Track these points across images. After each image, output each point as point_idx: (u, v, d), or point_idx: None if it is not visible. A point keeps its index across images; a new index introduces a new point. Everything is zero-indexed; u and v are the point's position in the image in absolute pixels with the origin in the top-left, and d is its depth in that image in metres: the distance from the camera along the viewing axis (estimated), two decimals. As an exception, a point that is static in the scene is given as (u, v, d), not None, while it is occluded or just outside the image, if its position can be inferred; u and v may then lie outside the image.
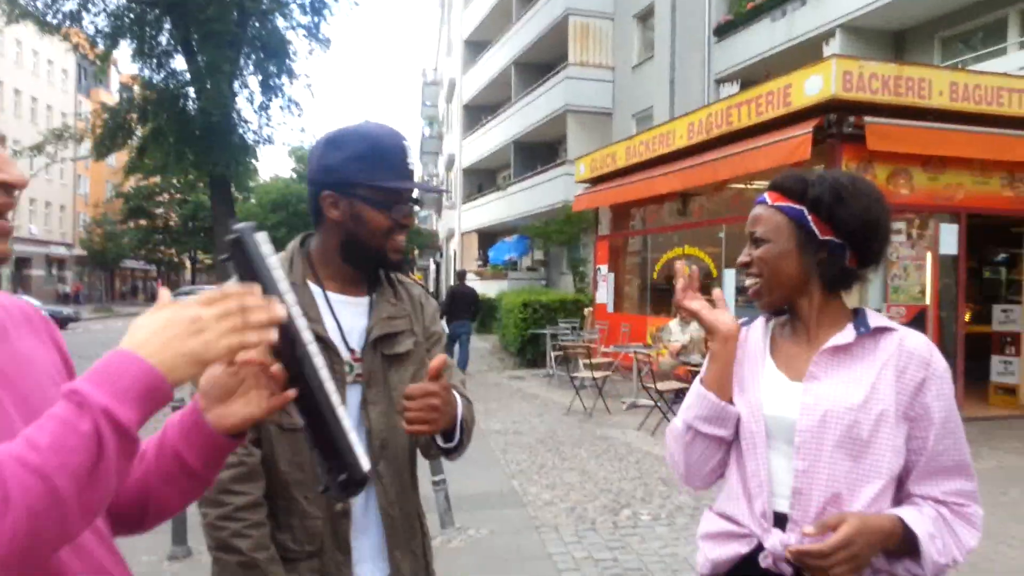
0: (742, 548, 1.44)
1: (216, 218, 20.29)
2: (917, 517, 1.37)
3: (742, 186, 10.78)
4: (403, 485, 1.63)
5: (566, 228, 19.72)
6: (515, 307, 14.84)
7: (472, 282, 23.48)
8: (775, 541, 1.39)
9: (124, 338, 0.86)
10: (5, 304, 1.04)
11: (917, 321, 8.58)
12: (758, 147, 9.18)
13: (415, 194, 1.63)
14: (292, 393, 1.03)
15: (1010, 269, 11.59)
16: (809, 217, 1.45)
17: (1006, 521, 5.02)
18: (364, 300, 1.63)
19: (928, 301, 8.75)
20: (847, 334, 1.45)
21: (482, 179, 32.99)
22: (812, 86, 8.51)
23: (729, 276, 10.53)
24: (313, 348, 1.03)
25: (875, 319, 1.49)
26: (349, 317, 1.60)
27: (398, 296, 1.69)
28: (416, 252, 47.58)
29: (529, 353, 14.50)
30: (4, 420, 0.89)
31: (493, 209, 28.01)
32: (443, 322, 14.12)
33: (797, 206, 1.47)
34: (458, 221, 34.46)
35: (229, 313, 0.89)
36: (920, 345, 1.45)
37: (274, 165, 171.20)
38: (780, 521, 1.43)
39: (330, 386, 1.05)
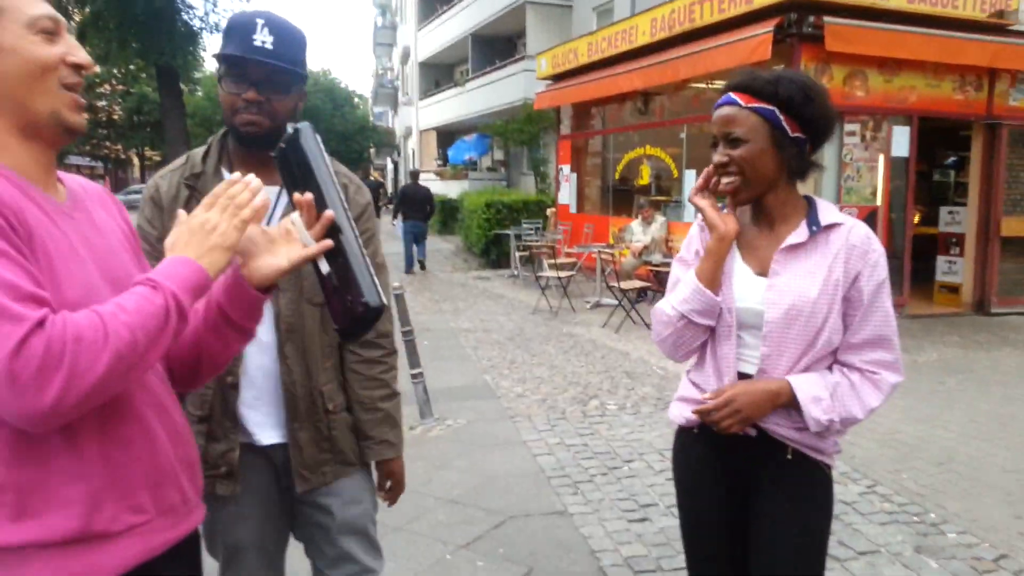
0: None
1: (164, 111, 19.63)
2: (807, 380, 1.67)
3: (703, 85, 10.85)
4: (307, 366, 1.79)
5: (527, 127, 19.58)
6: (478, 208, 14.96)
7: (432, 182, 23.39)
8: None
9: (168, 251, 1.19)
10: (84, 185, 1.31)
11: (868, 221, 8.92)
12: (719, 46, 9.24)
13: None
14: (329, 242, 1.28)
15: (958, 172, 12.01)
16: (781, 116, 1.65)
17: (942, 408, 5.54)
18: (274, 189, 1.68)
19: (879, 202, 9.12)
20: (801, 232, 1.69)
21: (439, 74, 32.20)
22: (775, -15, 8.52)
23: (689, 176, 10.77)
24: (343, 209, 1.32)
25: (825, 214, 1.73)
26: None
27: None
28: (372, 150, 46.74)
29: (493, 254, 14.74)
30: (88, 273, 1.15)
31: (451, 106, 27.50)
32: (398, 220, 14.27)
33: (769, 106, 1.64)
34: (415, 118, 33.81)
35: (224, 207, 1.20)
36: (862, 237, 1.69)
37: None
38: None
39: (356, 235, 1.32)
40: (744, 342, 1.73)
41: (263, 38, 1.63)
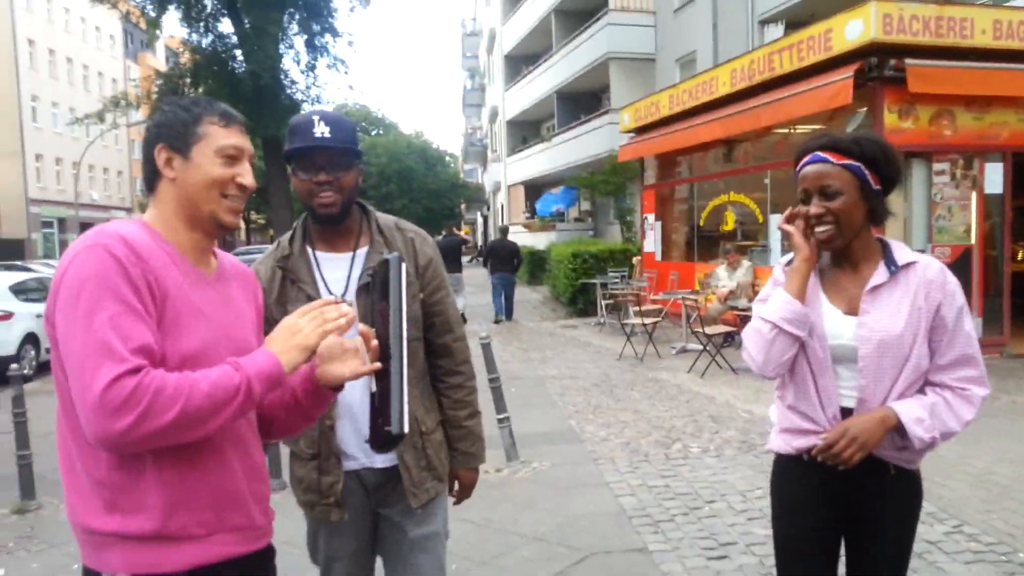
0: (817, 440, 1.90)
1: (270, 178, 21.01)
2: (908, 404, 1.86)
3: (785, 131, 10.90)
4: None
5: (612, 178, 19.89)
6: (565, 258, 15.25)
7: (520, 234, 23.93)
8: None
9: (265, 344, 1.47)
10: (235, 265, 1.68)
11: (962, 260, 8.75)
12: (800, 92, 9.32)
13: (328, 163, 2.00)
14: (378, 365, 1.57)
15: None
16: (867, 172, 1.89)
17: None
18: (347, 255, 2.09)
19: (973, 240, 8.89)
20: (882, 273, 1.92)
21: (526, 131, 33.10)
22: (852, 30, 8.58)
23: (774, 219, 10.74)
24: (400, 341, 1.60)
25: (900, 254, 1.95)
26: (331, 270, 2.09)
27: (389, 243, 2.12)
28: (463, 205, 48.07)
29: (580, 303, 14.95)
30: (209, 331, 1.46)
31: (538, 161, 28.19)
32: (486, 272, 14.72)
33: (856, 163, 1.89)
34: (504, 174, 34.72)
35: (314, 318, 1.47)
36: (936, 272, 1.90)
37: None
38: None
39: (404, 366, 1.60)
40: (840, 375, 1.93)
41: (321, 130, 1.96)
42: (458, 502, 2.35)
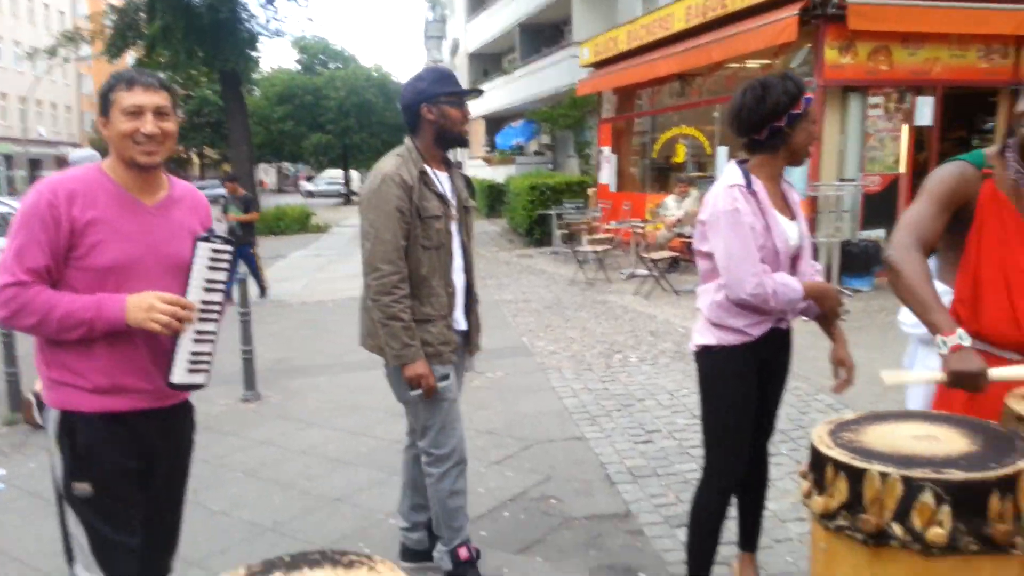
0: (767, 324, 2.45)
1: (228, 112, 20.82)
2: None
3: (736, 66, 11.28)
4: (471, 278, 2.90)
5: (572, 112, 20.08)
6: (523, 190, 15.59)
7: (480, 168, 24.02)
8: None
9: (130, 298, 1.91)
10: (186, 191, 2.16)
11: (890, 187, 9.34)
12: (749, 29, 9.68)
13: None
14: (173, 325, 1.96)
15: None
16: None
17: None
18: (445, 174, 2.82)
19: (902, 169, 9.45)
20: (790, 190, 2.61)
21: (488, 64, 32.82)
22: (798, -32, 8.91)
23: (722, 152, 11.19)
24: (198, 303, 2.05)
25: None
26: (444, 183, 2.79)
27: (453, 169, 2.88)
28: (424, 140, 47.67)
29: (537, 233, 15.37)
30: (130, 249, 1.96)
31: (499, 94, 28.10)
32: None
33: None
34: (465, 107, 34.45)
35: (165, 311, 1.89)
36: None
37: (276, 57, 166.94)
38: None
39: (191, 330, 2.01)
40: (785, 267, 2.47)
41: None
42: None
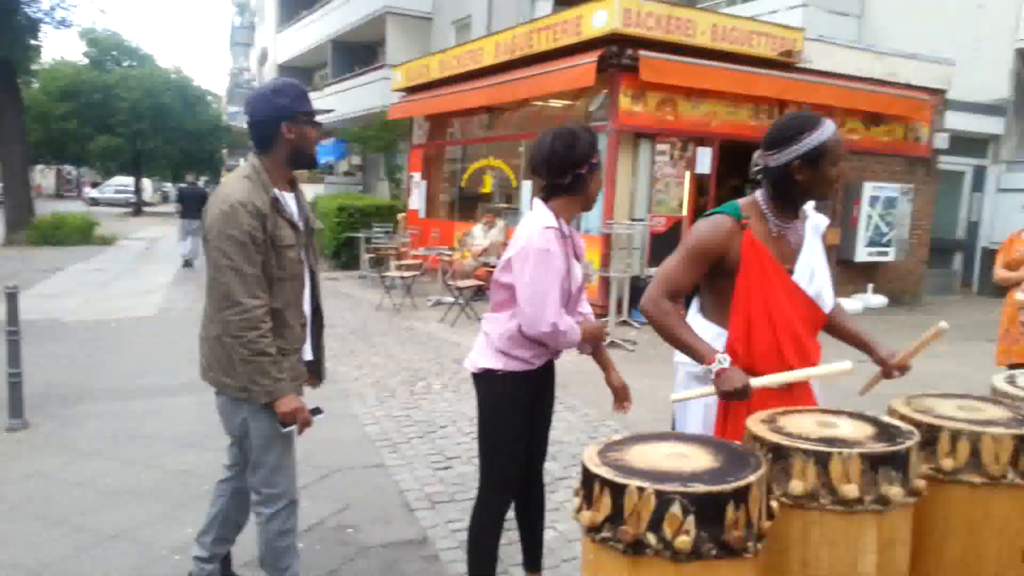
0: (545, 356, 2.69)
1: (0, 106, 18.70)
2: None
3: (540, 104, 11.89)
4: (318, 302, 2.87)
5: (383, 134, 20.08)
6: (331, 211, 15.34)
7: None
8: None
9: None
10: None
11: (674, 229, 10.24)
12: (553, 71, 10.26)
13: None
14: None
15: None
16: None
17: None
18: (292, 194, 2.71)
19: (684, 213, 10.41)
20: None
21: (298, 77, 31.72)
22: (598, 19, 9.61)
23: (526, 186, 11.70)
24: None
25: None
26: (292, 205, 2.69)
27: (299, 191, 2.78)
28: (225, 150, 45.49)
29: (344, 256, 15.17)
30: None
31: (310, 110, 27.48)
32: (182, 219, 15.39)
33: None
34: (272, 121, 33.29)
35: None
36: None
37: (60, 48, 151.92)
38: None
39: None
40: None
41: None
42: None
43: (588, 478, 1.70)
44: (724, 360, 2.18)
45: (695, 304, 2.52)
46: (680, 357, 2.53)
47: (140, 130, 33.45)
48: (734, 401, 2.21)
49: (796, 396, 2.33)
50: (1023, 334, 4.85)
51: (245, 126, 2.80)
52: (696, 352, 2.24)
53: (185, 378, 6.00)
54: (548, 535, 3.59)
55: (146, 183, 39.86)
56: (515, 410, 2.64)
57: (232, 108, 49.05)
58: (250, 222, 2.46)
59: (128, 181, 40.85)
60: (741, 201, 2.42)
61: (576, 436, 5.02)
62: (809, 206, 2.45)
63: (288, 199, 2.66)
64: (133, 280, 12.32)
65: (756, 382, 2.19)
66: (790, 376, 2.24)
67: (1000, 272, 5.03)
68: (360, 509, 3.89)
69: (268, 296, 2.52)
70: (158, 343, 7.77)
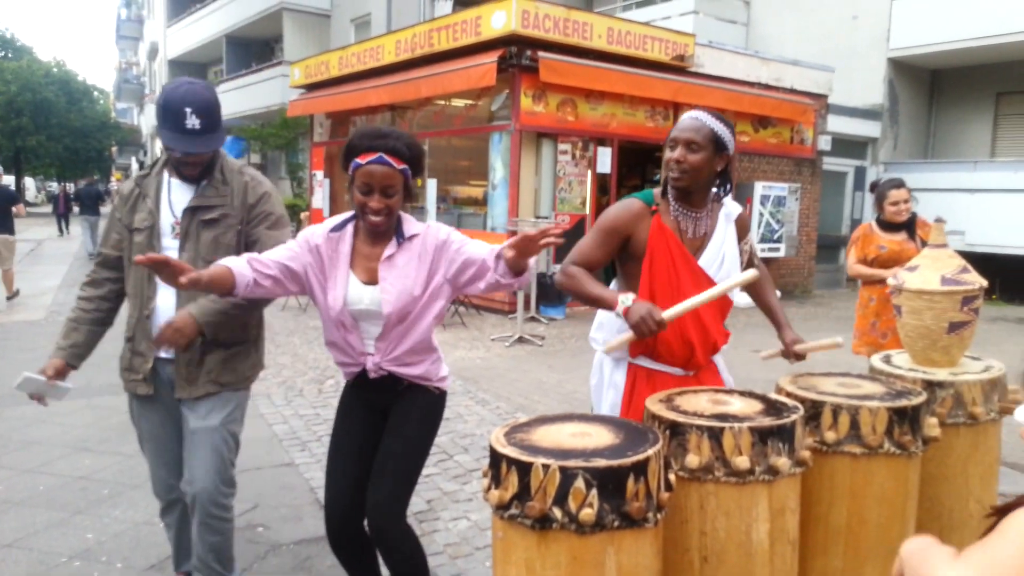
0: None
1: None
2: None
3: (443, 103, 11.94)
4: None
5: (283, 132, 19.65)
6: (230, 210, 14.92)
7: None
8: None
9: None
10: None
11: (578, 227, 10.50)
12: (454, 70, 10.32)
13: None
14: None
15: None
16: (410, 173, 2.35)
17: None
18: (194, 186, 2.58)
19: (588, 211, 10.68)
20: (392, 246, 2.31)
21: (191, 73, 30.74)
22: (497, 20, 9.74)
23: (431, 184, 11.73)
24: None
25: (408, 227, 2.36)
26: (179, 194, 2.57)
27: (226, 183, 2.59)
28: (114, 148, 43.35)
29: (246, 256, 14.77)
30: None
31: (204, 107, 26.56)
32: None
33: (407, 167, 2.29)
34: (164, 117, 31.99)
35: None
36: (437, 234, 2.37)
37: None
38: None
39: None
40: (366, 331, 2.37)
41: (191, 120, 2.42)
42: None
43: (496, 458, 1.79)
44: (627, 299, 2.26)
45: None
46: (598, 338, 2.64)
47: (19, 125, 31.52)
48: (645, 338, 2.27)
49: (702, 380, 2.50)
50: (893, 317, 5.17)
51: (134, 123, 2.77)
52: (604, 301, 2.35)
53: (76, 382, 5.76)
54: (462, 524, 3.69)
55: (29, 182, 37.50)
56: (342, 415, 2.57)
57: (121, 105, 46.78)
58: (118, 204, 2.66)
59: (8, 180, 38.37)
60: (655, 191, 2.56)
61: (487, 429, 5.13)
62: (728, 198, 2.60)
63: (180, 188, 2.58)
64: (19, 282, 11.61)
65: (667, 314, 2.24)
66: (699, 298, 2.31)
67: (857, 267, 4.75)
68: (270, 507, 3.88)
69: (111, 272, 2.67)
70: (48, 348, 7.40)
